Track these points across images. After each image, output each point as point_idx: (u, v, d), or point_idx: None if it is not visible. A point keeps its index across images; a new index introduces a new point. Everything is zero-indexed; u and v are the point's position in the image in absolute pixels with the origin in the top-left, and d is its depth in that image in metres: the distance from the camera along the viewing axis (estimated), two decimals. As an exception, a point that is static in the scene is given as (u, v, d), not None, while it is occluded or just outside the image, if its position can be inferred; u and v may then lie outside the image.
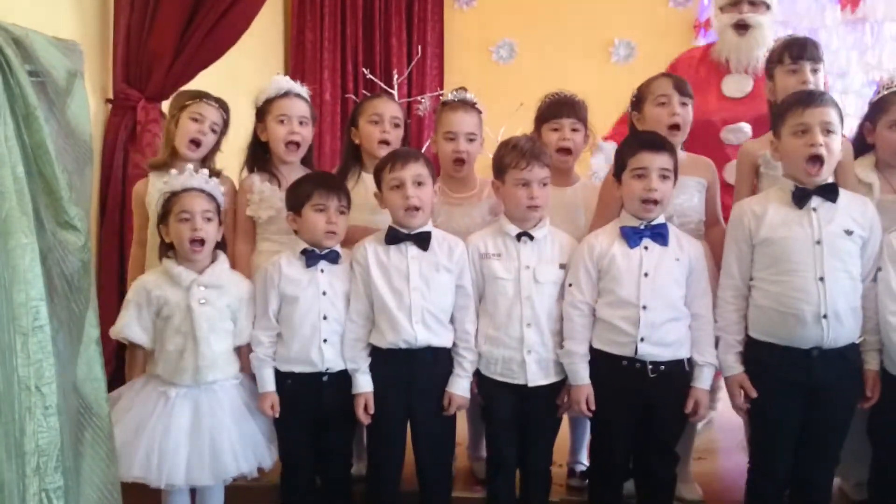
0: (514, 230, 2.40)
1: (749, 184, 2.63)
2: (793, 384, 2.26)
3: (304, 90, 2.78)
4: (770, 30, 3.26)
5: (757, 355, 2.32)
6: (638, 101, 2.64)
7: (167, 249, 2.42)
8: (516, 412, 2.40)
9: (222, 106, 2.80)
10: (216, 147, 2.80)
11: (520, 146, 2.39)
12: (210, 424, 2.32)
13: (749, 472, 2.41)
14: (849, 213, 2.27)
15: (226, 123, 2.81)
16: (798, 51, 2.63)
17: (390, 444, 2.42)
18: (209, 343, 2.33)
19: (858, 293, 2.26)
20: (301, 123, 2.71)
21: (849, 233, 2.25)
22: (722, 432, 3.24)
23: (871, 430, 2.35)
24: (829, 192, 2.26)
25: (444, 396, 2.39)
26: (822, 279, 2.20)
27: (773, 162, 2.46)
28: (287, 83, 2.74)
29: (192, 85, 3.36)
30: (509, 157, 2.38)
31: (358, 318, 2.40)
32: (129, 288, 2.74)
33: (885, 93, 2.48)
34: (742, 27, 3.20)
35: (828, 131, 2.23)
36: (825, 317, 2.19)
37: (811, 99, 2.27)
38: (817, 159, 2.22)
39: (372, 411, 2.38)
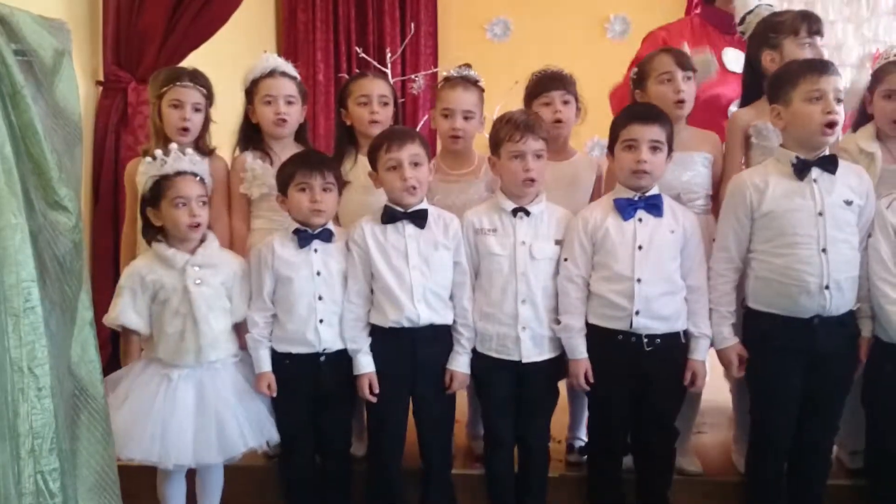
0: (509, 205, 2.39)
1: (740, 153, 2.62)
2: (794, 352, 2.27)
3: (290, 67, 2.75)
4: None
5: (757, 326, 2.33)
6: (640, 79, 2.63)
7: (156, 233, 2.39)
8: (512, 389, 2.39)
9: (198, 82, 2.73)
10: (206, 123, 2.76)
11: (514, 119, 2.38)
12: (214, 403, 2.32)
13: (750, 444, 2.42)
14: (846, 183, 2.28)
15: (207, 97, 2.75)
16: (816, 26, 2.62)
17: (393, 422, 2.42)
18: (209, 322, 2.32)
19: (858, 262, 2.28)
20: (289, 103, 2.68)
21: (848, 203, 2.27)
22: (723, 406, 3.23)
23: (864, 397, 2.38)
24: (829, 164, 2.27)
25: (446, 374, 2.39)
26: (824, 250, 2.21)
27: (765, 133, 2.46)
28: (273, 61, 2.71)
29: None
30: (504, 130, 2.37)
31: (357, 298, 2.39)
32: (122, 268, 2.73)
33: (883, 62, 2.50)
34: None
35: (838, 100, 2.24)
36: (828, 287, 2.21)
37: (825, 67, 2.28)
38: (833, 125, 2.23)
39: (377, 391, 2.37)
